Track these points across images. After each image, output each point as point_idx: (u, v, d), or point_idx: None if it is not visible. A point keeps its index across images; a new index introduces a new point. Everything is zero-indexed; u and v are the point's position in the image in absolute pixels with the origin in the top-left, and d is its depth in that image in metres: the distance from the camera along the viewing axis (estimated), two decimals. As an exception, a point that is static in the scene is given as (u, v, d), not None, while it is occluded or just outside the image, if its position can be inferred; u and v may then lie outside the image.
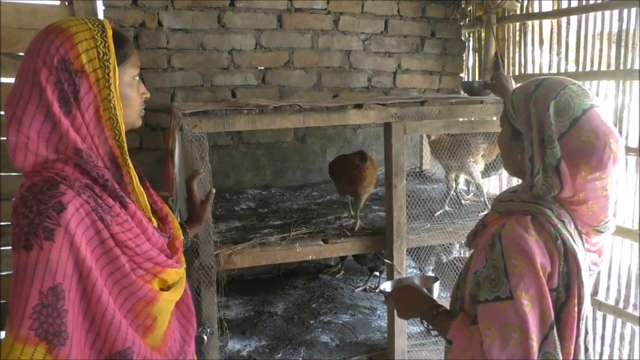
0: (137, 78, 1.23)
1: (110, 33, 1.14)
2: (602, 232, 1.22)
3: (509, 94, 1.27)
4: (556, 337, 1.11)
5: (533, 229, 1.13)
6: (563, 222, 1.15)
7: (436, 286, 1.57)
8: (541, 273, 1.11)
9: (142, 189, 1.22)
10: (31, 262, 1.01)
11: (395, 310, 1.50)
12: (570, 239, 1.13)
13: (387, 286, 1.65)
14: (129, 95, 1.20)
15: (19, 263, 1.02)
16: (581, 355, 1.14)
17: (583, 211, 1.18)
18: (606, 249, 1.29)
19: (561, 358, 1.11)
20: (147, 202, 1.24)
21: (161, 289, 1.24)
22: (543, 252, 1.12)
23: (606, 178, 1.14)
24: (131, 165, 1.18)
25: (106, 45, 1.12)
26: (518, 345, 1.09)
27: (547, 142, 1.14)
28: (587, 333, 1.15)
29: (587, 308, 1.15)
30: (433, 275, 1.71)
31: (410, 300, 1.44)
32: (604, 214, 1.18)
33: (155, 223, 1.26)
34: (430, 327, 1.36)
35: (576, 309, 1.13)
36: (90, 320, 1.10)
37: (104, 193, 1.13)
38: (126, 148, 1.17)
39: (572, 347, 1.13)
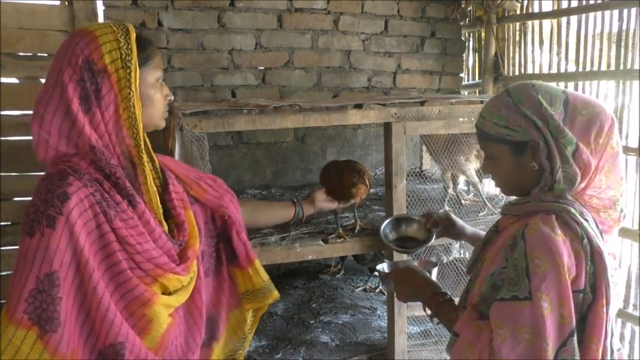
0: (160, 80, 1.27)
1: (133, 36, 1.18)
2: (618, 214, 1.21)
3: (479, 124, 1.24)
4: (575, 346, 1.06)
5: (559, 228, 1.10)
6: (587, 220, 1.13)
7: (434, 271, 1.54)
8: (566, 276, 1.07)
9: (155, 190, 1.23)
10: (32, 248, 1.05)
11: (394, 292, 1.47)
12: (596, 238, 1.11)
13: (384, 266, 1.62)
14: (152, 96, 1.24)
15: (21, 248, 1.07)
16: (608, 357, 1.11)
17: (598, 187, 1.17)
18: (617, 253, 1.28)
19: None
20: (159, 205, 1.25)
21: (163, 294, 1.23)
22: (569, 253, 1.09)
23: (614, 135, 1.17)
24: (146, 165, 1.20)
25: (129, 47, 1.16)
26: (530, 347, 1.06)
27: (557, 132, 1.14)
28: (612, 335, 1.12)
29: (612, 310, 1.11)
30: (432, 260, 1.69)
31: (412, 283, 1.39)
32: (618, 175, 1.18)
33: (166, 228, 1.26)
34: (433, 315, 1.32)
35: (604, 310, 1.09)
36: (85, 312, 1.11)
37: (114, 189, 1.16)
38: (142, 147, 1.19)
39: (600, 350, 1.09)
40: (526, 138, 1.17)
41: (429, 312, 1.34)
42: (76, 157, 1.14)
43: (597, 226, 1.16)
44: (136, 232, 1.16)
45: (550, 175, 1.17)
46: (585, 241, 1.10)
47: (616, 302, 1.25)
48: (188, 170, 1.46)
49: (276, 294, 1.55)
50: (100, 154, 1.13)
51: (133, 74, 1.16)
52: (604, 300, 1.09)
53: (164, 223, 1.26)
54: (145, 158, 1.21)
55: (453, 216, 1.67)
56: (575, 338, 1.06)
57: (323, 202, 1.87)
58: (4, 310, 1.05)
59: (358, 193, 2.19)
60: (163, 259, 1.21)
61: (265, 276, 1.54)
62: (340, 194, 2.21)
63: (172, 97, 1.31)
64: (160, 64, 1.27)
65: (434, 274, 1.53)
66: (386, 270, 1.59)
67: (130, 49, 1.16)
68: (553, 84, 1.24)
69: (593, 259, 1.10)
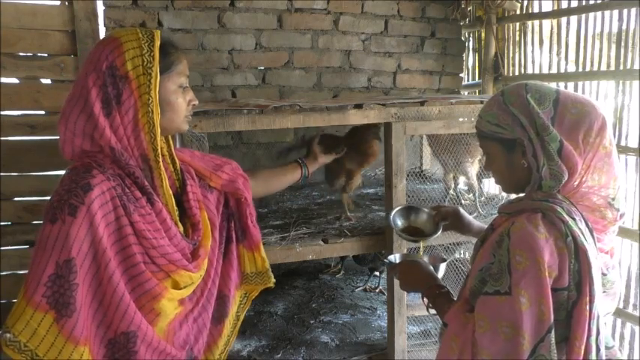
0: (184, 85, 1.31)
1: (157, 43, 1.22)
2: (616, 213, 1.22)
3: (477, 122, 1.30)
4: (553, 342, 1.09)
5: (543, 227, 1.13)
6: (574, 219, 1.14)
7: (442, 267, 1.61)
8: (546, 273, 1.09)
9: (170, 192, 1.28)
10: (53, 234, 1.10)
11: (398, 282, 1.54)
12: (581, 236, 1.12)
13: (396, 257, 1.69)
14: (173, 102, 1.28)
15: (42, 234, 1.11)
16: (592, 356, 1.12)
17: (594, 186, 1.18)
18: (617, 251, 1.29)
19: None
20: (174, 207, 1.29)
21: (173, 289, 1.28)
22: (552, 251, 1.11)
23: (607, 135, 1.19)
24: (162, 168, 1.25)
25: (152, 54, 1.20)
26: (509, 340, 1.10)
27: (542, 130, 1.17)
28: (598, 333, 1.14)
29: (598, 307, 1.13)
30: (441, 256, 1.75)
31: (415, 275, 1.46)
32: (612, 174, 1.19)
33: (181, 228, 1.31)
34: (430, 305, 1.38)
35: (588, 307, 1.11)
36: (99, 299, 1.15)
37: (134, 186, 1.21)
38: (159, 152, 1.23)
39: (583, 347, 1.11)
40: (514, 136, 1.22)
41: (426, 302, 1.40)
42: (100, 154, 1.19)
43: (587, 225, 1.18)
44: (152, 227, 1.21)
45: (537, 172, 1.20)
46: (569, 239, 1.12)
47: (610, 301, 1.27)
48: (205, 162, 1.51)
49: (273, 280, 1.62)
50: (119, 155, 1.19)
51: (153, 81, 1.19)
52: (587, 298, 1.11)
53: (179, 224, 1.31)
54: (163, 162, 1.25)
55: (462, 211, 1.70)
56: (552, 334, 1.09)
57: (323, 155, 1.96)
58: (21, 292, 1.09)
59: (371, 150, 2.32)
60: (177, 255, 1.25)
61: (267, 261, 1.60)
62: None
63: (197, 102, 1.35)
64: (184, 71, 1.30)
65: (442, 269, 1.60)
66: (397, 261, 1.66)
67: (153, 56, 1.20)
68: (553, 84, 1.25)
69: (577, 257, 1.12)
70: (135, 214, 1.18)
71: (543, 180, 1.19)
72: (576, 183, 1.20)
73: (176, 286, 1.27)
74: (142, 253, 1.19)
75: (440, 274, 1.56)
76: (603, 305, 1.21)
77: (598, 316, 1.13)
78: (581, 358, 1.11)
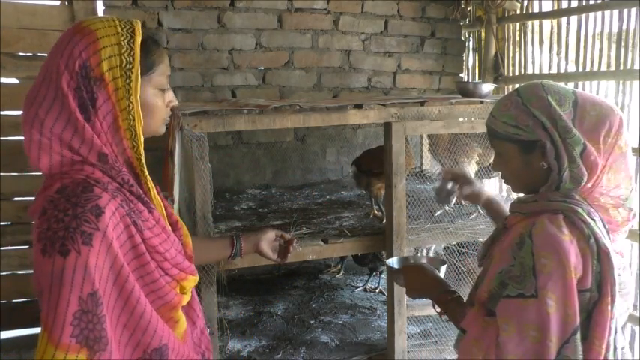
0: (166, 86, 1.19)
1: (138, 40, 1.08)
2: (627, 213, 1.22)
3: (490, 122, 1.26)
4: (578, 343, 1.09)
5: (566, 228, 1.12)
6: (594, 220, 1.14)
7: (443, 269, 1.57)
8: (572, 274, 1.09)
9: (159, 199, 1.20)
10: (69, 268, 0.98)
11: (405, 288, 1.50)
12: (603, 237, 1.12)
13: (393, 261, 1.65)
14: (153, 105, 1.16)
15: (53, 269, 0.99)
16: (610, 354, 1.13)
17: (607, 186, 1.19)
18: (625, 252, 1.29)
19: None
20: (164, 210, 1.23)
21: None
22: (576, 252, 1.11)
23: (622, 134, 1.19)
24: (147, 174, 1.16)
25: (132, 53, 1.07)
26: (536, 343, 1.09)
27: (565, 132, 1.15)
28: (615, 332, 1.14)
29: (617, 308, 1.14)
30: (440, 258, 1.71)
31: (422, 281, 1.43)
32: (626, 175, 1.20)
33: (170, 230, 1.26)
34: (442, 312, 1.36)
35: (609, 307, 1.11)
36: (124, 323, 1.09)
37: (133, 197, 1.11)
38: (143, 160, 1.14)
39: (604, 346, 1.12)
40: (534, 138, 1.19)
41: (438, 309, 1.38)
42: (87, 166, 1.07)
43: (604, 226, 1.17)
44: (160, 239, 1.14)
45: (557, 175, 1.18)
46: (592, 240, 1.11)
47: (623, 301, 1.27)
48: None
49: None
50: (112, 162, 1.08)
51: (133, 84, 1.07)
52: (609, 298, 1.11)
53: (168, 226, 1.25)
54: (146, 169, 1.16)
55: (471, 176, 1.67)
56: (578, 336, 1.09)
57: (268, 248, 1.68)
58: (43, 335, 1.00)
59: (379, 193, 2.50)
60: (186, 262, 1.21)
61: None
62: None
63: (176, 102, 1.23)
64: (165, 70, 1.18)
65: (442, 271, 1.56)
66: (395, 265, 1.62)
67: (133, 56, 1.07)
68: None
69: (599, 258, 1.12)
70: (145, 230, 1.10)
71: (563, 183, 1.17)
72: (590, 184, 1.18)
73: (182, 292, 1.24)
74: (156, 267, 1.14)
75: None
76: (620, 305, 1.21)
77: (616, 316, 1.14)
78: (602, 357, 1.12)
